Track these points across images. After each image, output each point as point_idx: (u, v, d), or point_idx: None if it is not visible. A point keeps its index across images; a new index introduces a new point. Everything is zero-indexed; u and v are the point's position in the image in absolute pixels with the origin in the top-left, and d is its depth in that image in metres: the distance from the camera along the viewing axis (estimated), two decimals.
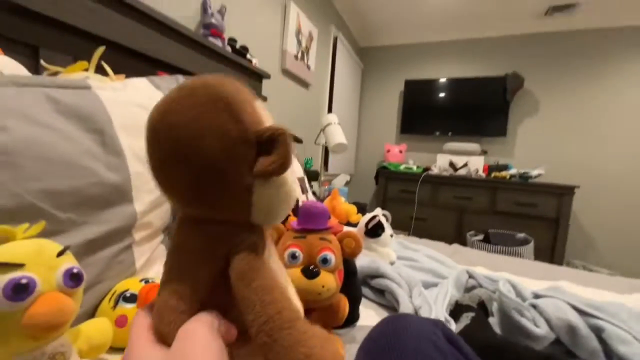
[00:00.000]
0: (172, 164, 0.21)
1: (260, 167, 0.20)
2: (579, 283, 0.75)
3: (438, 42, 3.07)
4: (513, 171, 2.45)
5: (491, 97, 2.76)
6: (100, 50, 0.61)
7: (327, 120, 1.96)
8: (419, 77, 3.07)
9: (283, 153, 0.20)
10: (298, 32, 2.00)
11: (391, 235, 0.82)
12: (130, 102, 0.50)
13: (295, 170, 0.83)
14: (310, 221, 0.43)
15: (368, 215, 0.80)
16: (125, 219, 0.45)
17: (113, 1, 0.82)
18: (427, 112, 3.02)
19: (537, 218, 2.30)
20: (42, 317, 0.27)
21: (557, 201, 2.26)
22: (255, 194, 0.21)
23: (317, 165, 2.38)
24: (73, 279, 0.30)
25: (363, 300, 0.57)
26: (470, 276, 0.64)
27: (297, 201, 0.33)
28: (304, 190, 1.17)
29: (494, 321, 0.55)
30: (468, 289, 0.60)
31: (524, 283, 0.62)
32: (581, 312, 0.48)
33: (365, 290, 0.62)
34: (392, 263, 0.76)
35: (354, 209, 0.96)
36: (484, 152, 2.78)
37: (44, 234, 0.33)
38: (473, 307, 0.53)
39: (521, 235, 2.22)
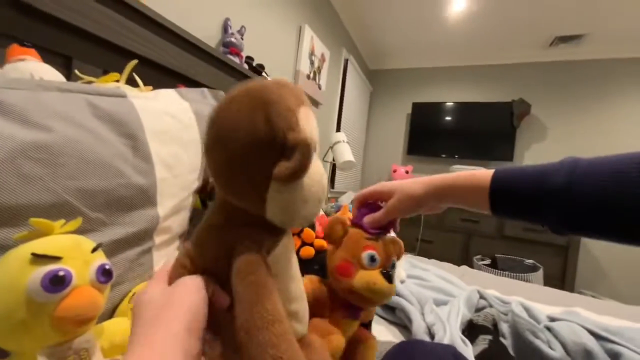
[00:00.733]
0: (213, 148, 0.24)
1: (277, 170, 0.21)
2: (593, 310, 0.73)
3: (446, 67, 3.15)
4: None
5: (498, 122, 2.79)
6: (133, 63, 0.65)
7: (336, 138, 2.00)
8: (426, 100, 3.13)
9: (300, 162, 0.21)
10: (311, 53, 2.08)
11: None
12: (161, 110, 0.53)
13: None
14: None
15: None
16: (149, 222, 0.47)
17: (143, 18, 0.87)
18: (434, 134, 3.06)
19: (546, 245, 2.27)
20: (75, 310, 0.28)
21: None
22: (269, 193, 0.22)
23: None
24: (105, 274, 0.32)
25: (374, 317, 0.56)
26: (482, 296, 0.63)
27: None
28: None
29: (506, 343, 0.54)
30: (479, 309, 0.60)
31: (541, 308, 0.61)
32: (597, 337, 0.48)
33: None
34: (402, 281, 0.75)
35: None
36: None
37: (75, 231, 0.34)
38: (489, 329, 0.52)
39: (530, 261, 2.18)
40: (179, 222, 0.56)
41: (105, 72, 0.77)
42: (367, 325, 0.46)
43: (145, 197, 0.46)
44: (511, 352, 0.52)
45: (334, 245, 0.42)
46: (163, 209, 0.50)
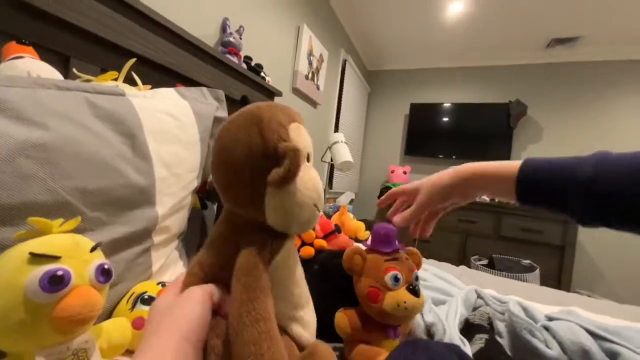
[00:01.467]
0: (216, 166, 0.26)
1: (270, 175, 0.24)
2: (591, 310, 0.74)
3: (443, 68, 3.17)
4: None
5: (495, 123, 2.81)
6: (131, 62, 0.64)
7: (334, 138, 2.00)
8: (424, 101, 3.14)
9: (288, 166, 0.23)
10: (310, 53, 2.08)
11: None
12: (159, 109, 0.53)
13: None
14: (388, 243, 0.46)
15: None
16: (148, 221, 0.46)
17: (141, 17, 0.86)
18: (432, 135, 3.07)
19: (542, 245, 2.28)
20: (74, 310, 0.28)
21: (562, 229, 2.24)
22: (266, 199, 0.25)
23: (322, 182, 2.39)
24: (104, 274, 0.31)
25: None
26: (479, 296, 0.63)
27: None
28: None
29: (502, 342, 0.54)
30: (476, 309, 0.60)
31: (538, 308, 0.62)
32: (595, 336, 0.48)
33: None
34: None
35: (362, 225, 0.96)
36: None
37: (73, 231, 0.34)
38: (485, 328, 0.52)
39: (526, 262, 2.19)
40: (178, 221, 0.56)
41: (103, 71, 0.77)
42: None
43: (144, 197, 0.46)
44: (508, 351, 0.52)
45: (357, 275, 0.45)
46: (162, 208, 0.49)
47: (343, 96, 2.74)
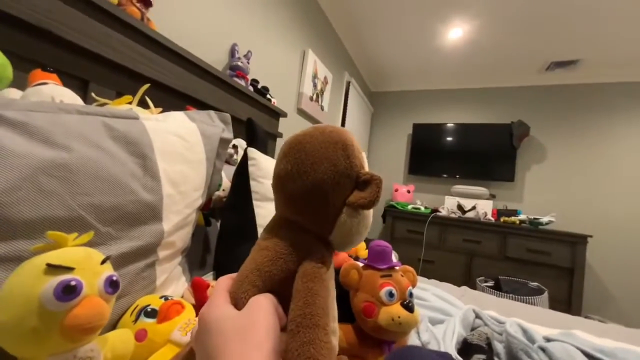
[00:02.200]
0: (294, 175, 0.27)
1: (354, 198, 0.25)
2: (594, 333, 0.73)
3: (445, 89, 3.24)
4: (522, 217, 2.42)
5: (498, 143, 2.83)
6: (146, 87, 0.69)
7: None
8: (426, 121, 3.19)
9: (374, 193, 0.25)
10: (314, 76, 2.16)
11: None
12: (170, 131, 0.56)
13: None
14: (383, 259, 0.47)
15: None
16: (154, 237, 0.49)
17: (156, 45, 0.93)
18: (435, 154, 3.09)
19: (550, 267, 2.23)
20: (84, 319, 0.30)
21: (570, 250, 2.20)
22: (341, 217, 0.26)
23: None
24: (112, 285, 0.33)
25: None
26: (477, 316, 0.63)
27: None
28: None
29: None
30: (474, 329, 0.60)
31: (538, 329, 0.61)
32: (591, 358, 0.48)
33: None
34: None
35: (363, 244, 0.97)
36: (492, 196, 2.78)
37: (86, 244, 0.36)
38: (483, 348, 0.53)
39: (534, 284, 2.14)
40: (182, 237, 0.58)
41: (119, 94, 0.82)
42: None
43: (151, 213, 0.49)
44: None
45: (354, 290, 0.46)
46: (168, 224, 0.52)
47: (347, 116, 2.81)
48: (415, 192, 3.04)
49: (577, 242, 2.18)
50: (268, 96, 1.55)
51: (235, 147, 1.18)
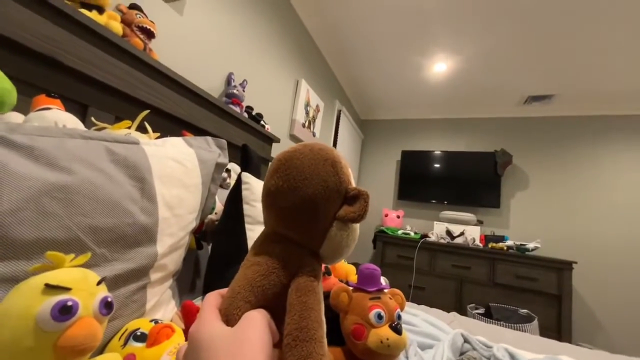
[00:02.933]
0: (285, 191, 0.27)
1: (344, 212, 0.27)
2: (580, 359, 0.74)
3: (431, 119, 3.39)
4: (509, 243, 2.47)
5: (483, 170, 2.93)
6: (145, 113, 0.72)
7: None
8: (415, 148, 3.30)
9: (363, 207, 0.27)
10: (307, 104, 2.24)
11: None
12: (168, 156, 0.59)
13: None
14: (372, 282, 0.49)
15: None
16: (147, 259, 0.49)
17: (154, 72, 0.97)
18: (423, 180, 3.17)
19: (538, 293, 2.25)
20: (78, 340, 0.30)
21: (556, 276, 2.23)
22: (331, 231, 0.27)
23: None
24: (107, 307, 0.34)
25: None
26: (466, 340, 0.64)
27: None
28: None
29: None
30: (463, 353, 0.60)
31: (525, 355, 0.62)
32: None
33: None
34: None
35: (353, 269, 0.98)
36: (479, 222, 2.84)
37: (82, 265, 0.37)
38: None
39: (524, 311, 2.14)
40: (175, 260, 0.59)
41: (118, 119, 0.85)
42: None
43: (147, 235, 0.50)
44: None
45: (343, 313, 0.47)
46: (162, 246, 0.53)
47: (338, 143, 2.89)
48: (404, 217, 3.08)
49: (562, 268, 2.22)
50: (262, 122, 1.60)
51: (228, 170, 1.20)
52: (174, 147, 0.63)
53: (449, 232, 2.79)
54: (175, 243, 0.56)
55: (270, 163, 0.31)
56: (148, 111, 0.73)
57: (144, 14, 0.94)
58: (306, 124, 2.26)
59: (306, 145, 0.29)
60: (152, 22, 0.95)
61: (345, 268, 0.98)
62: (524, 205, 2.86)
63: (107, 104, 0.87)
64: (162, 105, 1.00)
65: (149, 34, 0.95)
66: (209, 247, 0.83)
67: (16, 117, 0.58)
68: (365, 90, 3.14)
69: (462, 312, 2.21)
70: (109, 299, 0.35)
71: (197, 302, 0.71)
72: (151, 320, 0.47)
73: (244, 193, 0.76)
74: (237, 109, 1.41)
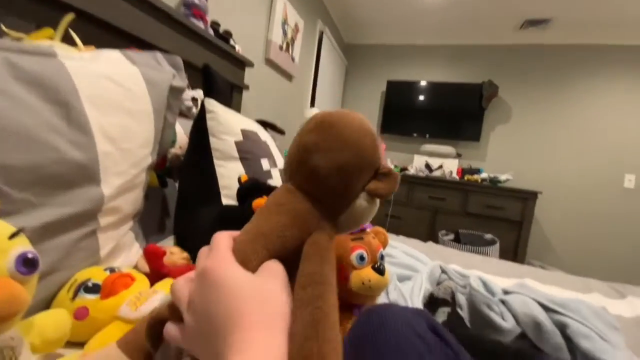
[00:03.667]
0: (322, 150, 0.27)
1: (373, 186, 0.27)
2: (541, 281, 0.79)
3: (421, 45, 3.14)
4: (484, 175, 2.56)
5: (468, 103, 2.86)
6: (69, 17, 0.56)
7: (310, 113, 1.94)
8: (401, 78, 3.12)
9: (392, 185, 0.27)
10: (284, 22, 1.95)
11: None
12: (102, 74, 0.46)
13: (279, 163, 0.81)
14: None
15: None
16: (91, 202, 0.42)
17: None
18: (407, 113, 3.08)
19: (503, 220, 2.43)
20: None
21: (521, 205, 2.40)
22: (357, 201, 0.28)
23: None
24: (27, 264, 0.27)
25: None
26: (443, 271, 0.65)
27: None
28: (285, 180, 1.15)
29: (463, 314, 0.56)
30: (440, 283, 0.62)
31: (492, 279, 0.65)
32: (546, 308, 0.51)
33: None
34: None
35: None
36: (458, 155, 2.88)
37: None
38: (448, 301, 0.54)
39: (489, 236, 2.34)
40: (131, 201, 0.51)
41: (39, 28, 0.67)
42: None
43: (85, 174, 0.41)
44: (468, 323, 0.55)
45: None
46: (108, 187, 0.44)
47: (320, 69, 2.65)
48: (386, 150, 3.07)
49: (527, 197, 2.38)
50: (231, 42, 1.38)
51: (195, 99, 1.05)
52: (110, 63, 0.50)
53: (427, 166, 2.84)
54: (127, 182, 0.48)
55: (308, 119, 0.30)
56: (72, 15, 0.56)
57: None
58: (284, 46, 2.01)
59: (349, 114, 0.29)
60: None
61: None
62: (502, 139, 2.89)
63: (24, 10, 0.68)
64: (97, 11, 0.80)
65: None
66: (176, 185, 0.76)
67: None
68: (350, 9, 2.76)
69: (435, 238, 2.39)
70: (30, 255, 0.28)
71: (166, 242, 0.67)
72: (106, 269, 0.42)
73: (209, 124, 0.66)
74: (201, 24, 1.19)
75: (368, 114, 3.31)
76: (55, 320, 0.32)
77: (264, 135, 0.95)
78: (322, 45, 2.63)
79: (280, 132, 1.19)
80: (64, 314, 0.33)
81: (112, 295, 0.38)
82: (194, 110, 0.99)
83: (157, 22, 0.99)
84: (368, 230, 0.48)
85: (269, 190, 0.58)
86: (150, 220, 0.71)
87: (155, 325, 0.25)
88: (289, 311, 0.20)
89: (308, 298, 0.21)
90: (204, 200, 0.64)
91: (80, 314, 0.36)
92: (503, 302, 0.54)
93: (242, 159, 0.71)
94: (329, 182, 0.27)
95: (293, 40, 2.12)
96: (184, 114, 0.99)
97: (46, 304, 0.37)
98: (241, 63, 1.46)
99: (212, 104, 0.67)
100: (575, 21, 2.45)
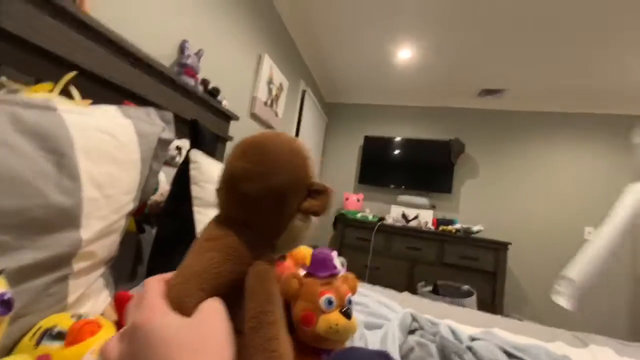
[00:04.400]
0: (252, 176, 0.26)
1: (307, 204, 0.27)
2: (511, 330, 0.81)
3: (394, 105, 3.46)
4: (458, 226, 2.66)
5: (439, 158, 3.09)
6: (71, 75, 0.61)
7: None
8: (377, 134, 3.36)
9: (326, 202, 0.28)
10: (270, 81, 2.14)
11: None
12: (97, 127, 0.50)
13: None
14: (325, 267, 0.47)
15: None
16: (67, 246, 0.42)
17: (84, 27, 0.83)
18: (384, 165, 3.26)
19: (478, 271, 2.48)
20: None
21: (494, 256, 2.47)
22: (294, 222, 0.27)
23: None
24: (3, 305, 0.28)
25: None
26: (414, 319, 0.67)
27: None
28: None
29: None
30: (411, 332, 0.63)
31: (464, 329, 0.67)
32: (509, 355, 0.53)
33: None
34: None
35: (310, 252, 0.97)
36: (432, 207, 3.01)
37: None
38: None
39: (466, 287, 2.35)
40: (107, 246, 0.52)
41: (38, 82, 0.72)
42: None
43: (66, 219, 0.43)
44: None
45: (294, 299, 0.45)
46: (88, 232, 0.46)
47: (302, 124, 2.83)
48: (364, 200, 3.16)
49: (499, 248, 2.47)
50: (219, 98, 1.49)
51: (179, 148, 1.10)
52: (105, 117, 0.55)
53: (404, 216, 2.93)
54: (107, 227, 0.50)
55: (235, 145, 0.29)
56: (75, 72, 0.62)
57: None
58: (268, 102, 2.17)
59: (279, 134, 0.29)
60: None
61: (302, 252, 0.97)
62: (473, 192, 3.08)
63: (25, 64, 0.74)
64: (95, 68, 0.87)
65: None
66: (153, 231, 0.76)
67: None
68: (330, 72, 3.08)
69: (413, 290, 2.36)
70: (6, 297, 0.29)
71: (134, 291, 0.65)
72: (72, 316, 0.41)
73: (192, 173, 0.70)
74: (191, 82, 1.29)
75: (347, 166, 3.47)
76: None
77: None
78: (305, 103, 2.84)
79: None
80: None
81: (77, 342, 0.37)
82: (178, 159, 1.03)
83: (151, 79, 1.08)
84: (338, 275, 0.51)
85: None
86: (122, 267, 0.69)
87: None
88: (229, 349, 0.20)
89: (261, 342, 0.21)
90: (181, 246, 0.65)
91: None
92: (470, 348, 0.55)
93: None
94: (262, 207, 0.26)
95: (277, 97, 2.30)
96: (167, 162, 1.03)
97: (8, 350, 0.36)
98: (226, 116, 1.56)
99: (196, 155, 0.72)
100: (526, 93, 2.84)
